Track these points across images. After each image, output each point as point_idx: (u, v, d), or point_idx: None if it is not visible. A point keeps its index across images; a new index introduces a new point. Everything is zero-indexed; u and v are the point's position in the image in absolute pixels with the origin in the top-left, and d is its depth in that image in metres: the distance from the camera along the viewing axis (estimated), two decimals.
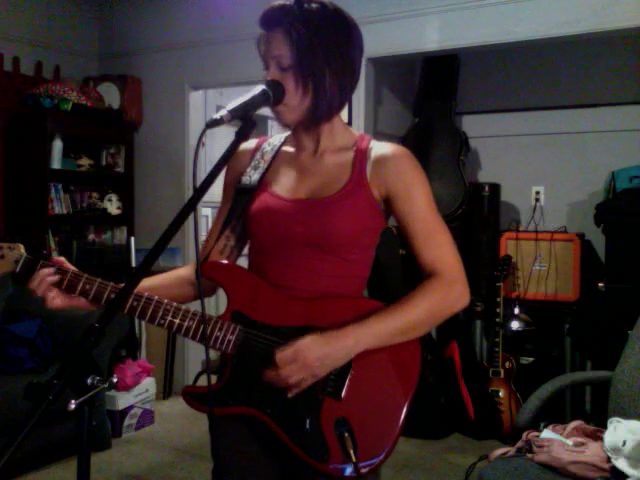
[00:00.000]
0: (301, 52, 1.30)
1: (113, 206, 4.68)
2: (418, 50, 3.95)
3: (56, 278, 1.35)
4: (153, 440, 3.83)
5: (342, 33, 1.35)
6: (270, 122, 5.84)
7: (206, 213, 5.83)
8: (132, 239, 4.59)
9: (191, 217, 1.13)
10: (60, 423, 3.21)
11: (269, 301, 1.34)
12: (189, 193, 4.55)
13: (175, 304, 1.33)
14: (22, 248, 1.39)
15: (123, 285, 1.26)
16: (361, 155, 1.39)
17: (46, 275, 1.35)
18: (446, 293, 1.34)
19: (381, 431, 1.31)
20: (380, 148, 1.39)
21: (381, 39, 3.83)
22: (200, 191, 1.13)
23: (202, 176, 1.15)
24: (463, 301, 1.37)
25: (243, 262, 1.44)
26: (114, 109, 4.66)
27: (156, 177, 4.74)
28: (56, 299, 1.36)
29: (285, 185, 1.41)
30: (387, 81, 4.62)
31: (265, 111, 1.30)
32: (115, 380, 1.11)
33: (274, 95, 1.28)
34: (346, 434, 1.26)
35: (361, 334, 1.28)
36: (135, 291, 1.31)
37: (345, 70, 1.35)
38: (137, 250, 4.54)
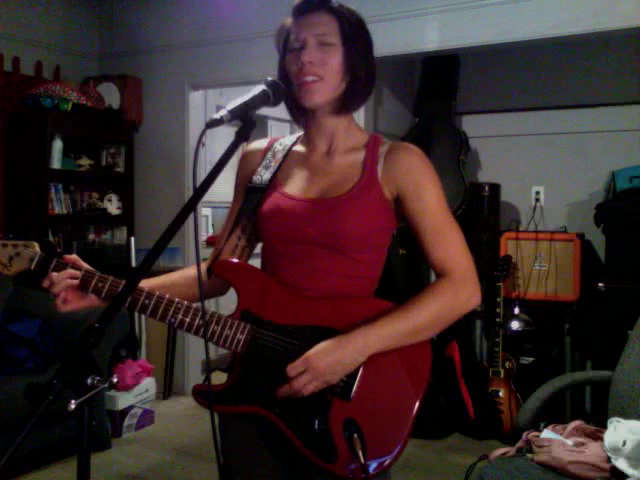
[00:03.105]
0: (349, 34, 1.34)
1: (113, 206, 4.68)
2: (418, 50, 3.95)
3: (76, 282, 1.35)
4: (153, 440, 3.83)
5: (371, 39, 1.41)
6: (270, 122, 5.84)
7: (206, 213, 5.83)
8: (132, 239, 4.59)
9: (191, 217, 1.13)
10: (60, 423, 3.21)
11: (279, 300, 1.34)
12: (189, 193, 4.54)
13: (186, 303, 1.33)
14: (37, 246, 1.40)
15: (124, 284, 1.26)
16: (372, 155, 1.38)
17: (66, 276, 1.35)
18: (456, 293, 1.34)
19: (390, 432, 1.30)
20: (391, 147, 1.39)
21: (381, 39, 3.79)
22: (200, 191, 1.13)
23: (202, 176, 1.15)
24: (474, 301, 1.36)
25: (256, 262, 1.43)
26: (114, 109, 4.66)
27: (156, 177, 4.74)
28: (67, 304, 1.37)
29: (296, 185, 1.41)
30: (387, 81, 4.62)
31: (265, 111, 1.30)
32: (115, 380, 1.11)
33: (274, 95, 1.28)
34: (355, 435, 1.26)
35: (370, 337, 1.27)
36: (147, 289, 1.32)
37: (372, 71, 1.40)
38: (137, 250, 4.54)
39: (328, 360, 1.25)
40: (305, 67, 1.32)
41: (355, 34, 1.35)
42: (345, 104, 1.37)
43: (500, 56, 4.57)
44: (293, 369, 1.26)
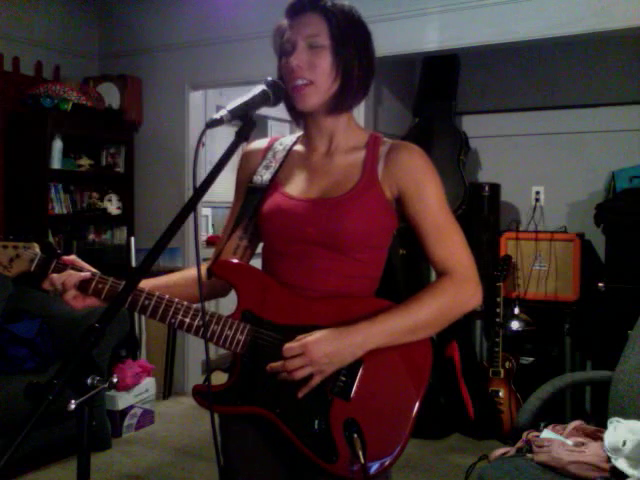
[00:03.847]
0: (339, 34, 1.32)
1: (113, 206, 4.68)
2: (418, 50, 3.95)
3: (84, 274, 1.36)
4: (153, 440, 3.83)
5: (368, 35, 1.40)
6: (270, 122, 5.84)
7: (206, 213, 5.83)
8: (132, 239, 4.59)
9: (191, 217, 1.13)
10: (60, 423, 3.21)
11: (279, 300, 1.34)
12: (189, 193, 4.54)
13: (186, 303, 1.33)
14: (37, 247, 1.40)
15: (124, 285, 1.26)
16: (372, 154, 1.38)
17: (75, 275, 1.35)
18: (457, 292, 1.34)
19: (391, 432, 1.30)
20: (392, 147, 1.38)
21: (381, 39, 3.79)
22: (200, 191, 1.13)
23: (202, 176, 1.15)
24: (475, 300, 1.36)
25: (258, 262, 1.44)
26: (114, 109, 4.66)
27: (156, 177, 4.74)
28: (77, 299, 1.37)
29: (296, 185, 1.41)
30: (387, 81, 4.62)
31: (265, 111, 1.30)
32: (115, 380, 1.11)
33: (274, 95, 1.28)
34: (355, 435, 1.26)
35: (370, 332, 1.27)
36: (147, 290, 1.32)
37: (369, 69, 1.39)
38: (137, 250, 4.54)
39: (325, 349, 1.25)
40: (295, 71, 1.32)
41: (346, 33, 1.33)
42: (340, 103, 1.36)
43: (500, 56, 4.57)
44: (289, 350, 1.26)
